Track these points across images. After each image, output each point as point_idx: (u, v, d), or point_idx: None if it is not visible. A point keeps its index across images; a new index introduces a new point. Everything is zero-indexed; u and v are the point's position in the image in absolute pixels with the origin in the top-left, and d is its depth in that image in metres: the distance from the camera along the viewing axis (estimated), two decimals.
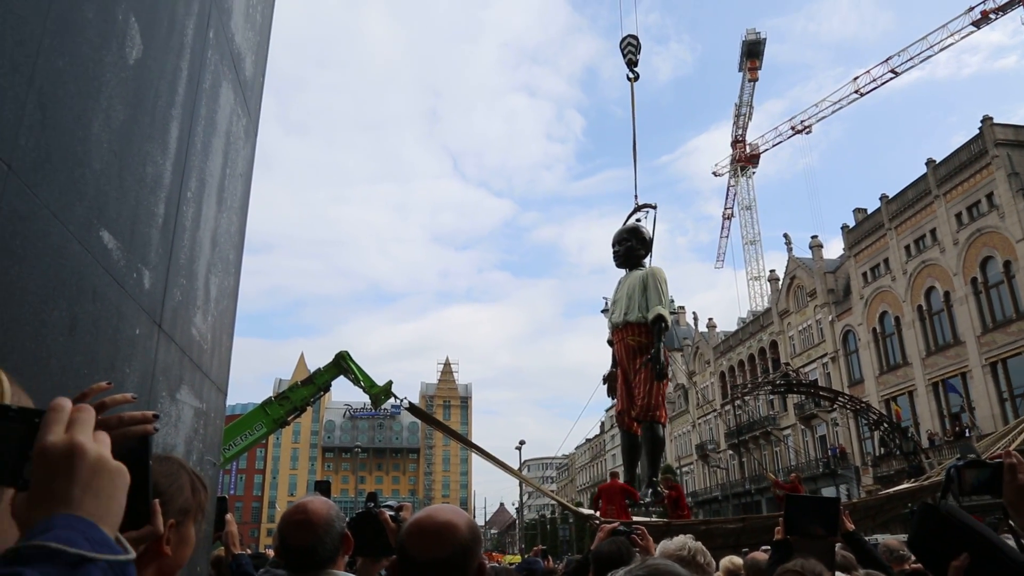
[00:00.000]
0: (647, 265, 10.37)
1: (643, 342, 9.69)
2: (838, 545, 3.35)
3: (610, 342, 10.49)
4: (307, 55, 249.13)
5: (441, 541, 1.59)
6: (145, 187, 1.95)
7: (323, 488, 4.24)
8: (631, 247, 10.28)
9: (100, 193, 1.67)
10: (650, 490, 10.06)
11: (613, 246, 10.44)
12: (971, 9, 51.69)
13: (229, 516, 3.21)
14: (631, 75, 12.00)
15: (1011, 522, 1.80)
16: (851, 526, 3.17)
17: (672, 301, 10.33)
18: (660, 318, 9.55)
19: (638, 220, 10.85)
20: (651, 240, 10.50)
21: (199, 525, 1.45)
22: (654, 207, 11.18)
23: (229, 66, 2.83)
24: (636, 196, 11.16)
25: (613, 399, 10.99)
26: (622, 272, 10.63)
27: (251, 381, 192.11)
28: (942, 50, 54.98)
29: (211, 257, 2.61)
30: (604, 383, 10.79)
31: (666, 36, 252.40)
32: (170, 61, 2.12)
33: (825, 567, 2.44)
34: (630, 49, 12.02)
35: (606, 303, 22.01)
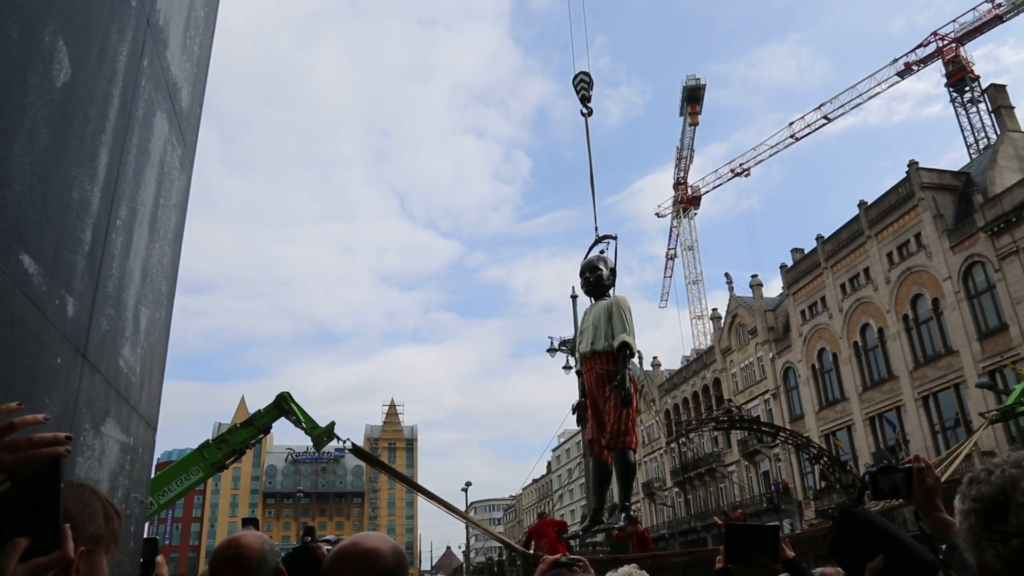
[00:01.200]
0: (611, 295, 10.49)
1: (611, 370, 9.77)
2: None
3: (579, 372, 10.52)
4: (253, 93, 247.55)
5: (365, 568, 1.56)
6: (71, 212, 1.90)
7: (251, 524, 4.11)
8: (600, 276, 10.38)
9: (21, 216, 1.62)
10: (623, 515, 10.07)
11: (582, 274, 10.52)
12: (895, 60, 54.49)
13: (160, 558, 3.09)
14: (585, 111, 12.21)
15: (920, 524, 1.86)
16: (791, 553, 3.21)
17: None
18: (625, 345, 9.66)
19: (602, 251, 10.98)
20: (615, 270, 10.64)
21: (112, 555, 1.39)
22: (614, 238, 11.36)
23: (164, 96, 2.79)
24: (596, 228, 11.29)
25: (582, 428, 11.01)
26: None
27: (189, 425, 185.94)
28: (871, 98, 57.68)
29: (141, 288, 2.55)
30: (574, 413, 10.82)
31: (617, 79, 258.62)
32: (101, 87, 2.09)
33: None
34: (583, 85, 12.25)
35: (551, 342, 22.13)
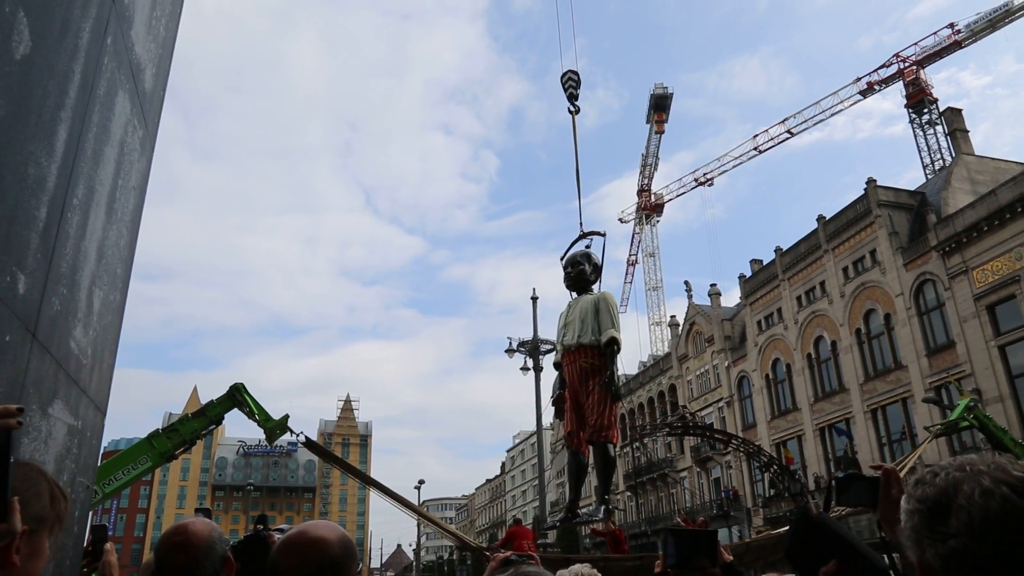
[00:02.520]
0: (595, 290, 10.57)
1: (595, 364, 9.85)
2: None
3: (557, 365, 10.56)
4: (221, 79, 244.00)
5: (311, 556, 1.56)
6: (26, 188, 1.86)
7: (203, 515, 4.06)
8: (583, 271, 10.46)
9: None
10: (603, 507, 10.19)
11: (565, 268, 10.60)
12: (858, 79, 55.61)
13: (109, 545, 3.02)
14: (572, 108, 12.27)
15: (881, 534, 1.90)
16: (729, 557, 3.26)
17: None
18: (613, 340, 9.79)
19: (587, 246, 11.05)
20: (600, 267, 10.71)
21: (56, 538, 1.37)
22: (603, 235, 11.50)
23: (127, 75, 2.75)
24: (581, 224, 11.38)
25: (560, 421, 11.07)
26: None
27: (140, 414, 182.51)
28: (833, 115, 58.80)
29: (96, 269, 2.50)
30: (553, 406, 10.87)
31: (594, 83, 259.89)
32: (61, 62, 2.05)
33: None
34: (571, 83, 12.31)
35: (510, 342, 22.16)
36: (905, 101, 52.64)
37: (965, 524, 1.09)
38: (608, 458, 10.09)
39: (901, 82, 53.05)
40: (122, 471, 13.80)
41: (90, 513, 3.20)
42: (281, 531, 2.64)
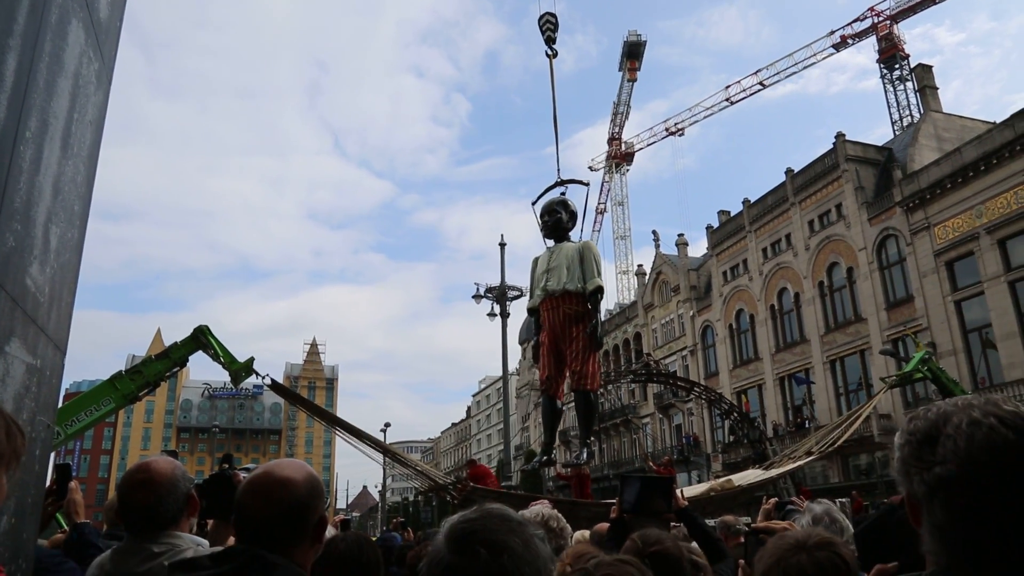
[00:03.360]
0: (572, 238, 10.61)
1: (579, 311, 9.95)
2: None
3: (532, 311, 10.59)
4: (182, 14, 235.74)
5: (277, 496, 1.56)
6: None
7: (171, 456, 4.06)
8: (560, 219, 10.48)
9: None
10: (584, 451, 10.44)
11: (542, 216, 10.60)
12: (832, 32, 55.45)
13: (73, 484, 3.02)
14: (550, 52, 12.09)
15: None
16: (684, 503, 3.35)
17: None
18: (600, 290, 9.91)
19: (563, 193, 11.04)
20: (577, 214, 10.73)
21: (12, 474, 1.36)
22: (586, 184, 11.53)
23: (80, 4, 2.64)
24: (559, 171, 11.35)
25: (536, 366, 11.28)
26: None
27: (102, 356, 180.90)
28: (805, 68, 58.73)
29: (52, 205, 2.44)
30: (533, 352, 11.05)
31: (572, 27, 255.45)
32: None
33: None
34: (548, 26, 12.11)
35: (478, 288, 22.17)
36: (877, 56, 52.71)
37: (951, 451, 1.12)
38: (590, 404, 10.30)
39: (875, 36, 53.03)
40: (85, 412, 13.68)
41: (52, 453, 3.18)
42: (247, 470, 2.65)
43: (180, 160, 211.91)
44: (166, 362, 14.63)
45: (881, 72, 52.44)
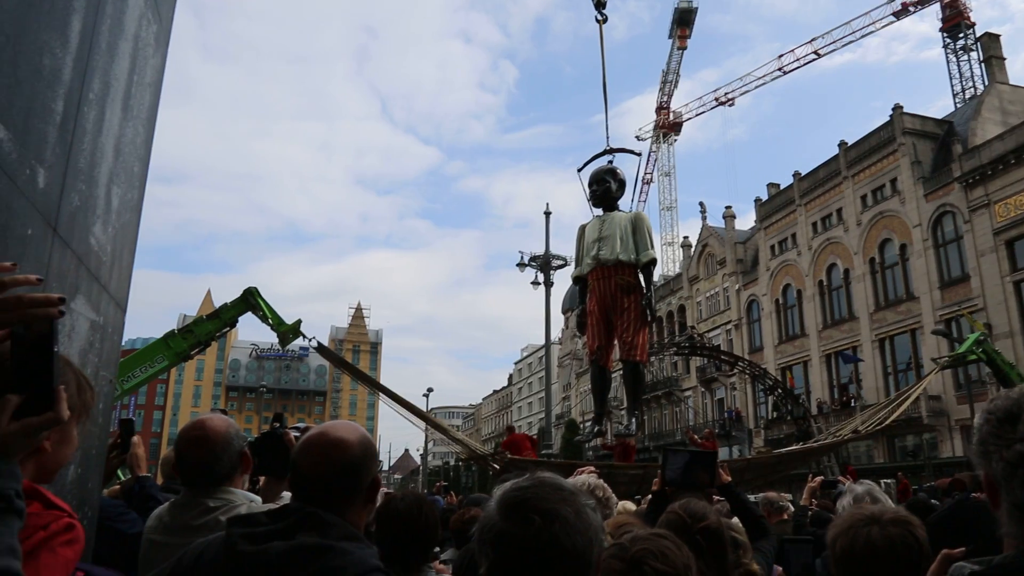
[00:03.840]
0: (622, 208, 10.60)
1: (631, 282, 9.97)
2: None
3: (579, 279, 10.59)
4: None
5: (331, 456, 1.59)
6: (42, 80, 1.83)
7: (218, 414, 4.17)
8: (608, 188, 10.45)
9: None
10: (634, 421, 10.55)
11: (590, 185, 10.59)
12: (891, 0, 53.41)
13: (136, 438, 3.12)
14: (599, 16, 11.94)
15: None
16: (727, 478, 3.33)
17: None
18: (653, 261, 9.94)
19: (610, 162, 11.00)
20: (625, 183, 10.70)
21: (83, 427, 1.41)
22: (638, 154, 11.50)
23: None
24: (607, 139, 11.35)
25: (581, 336, 11.34)
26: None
27: (155, 314, 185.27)
28: (863, 36, 56.77)
29: (114, 166, 2.49)
30: (577, 320, 11.13)
31: None
32: None
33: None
34: None
35: (522, 256, 22.14)
36: (941, 24, 50.73)
37: None
38: (639, 375, 10.39)
39: (938, 3, 51.00)
40: (140, 369, 14.13)
41: (112, 409, 3.28)
42: (297, 429, 2.71)
43: (230, 124, 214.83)
44: (216, 322, 15.01)
45: (944, 41, 50.47)
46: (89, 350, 2.33)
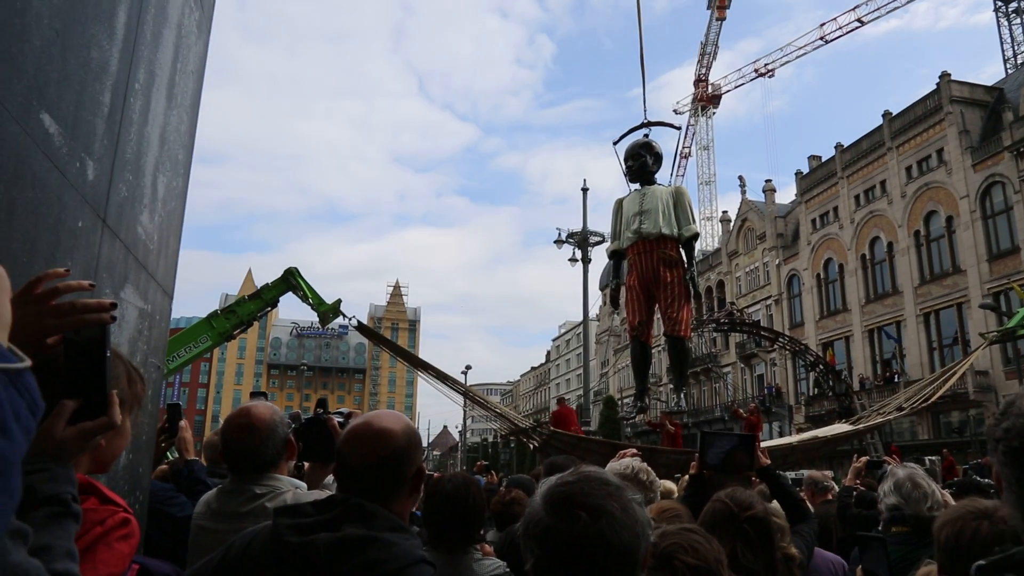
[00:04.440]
0: (660, 182, 10.50)
1: (674, 256, 9.91)
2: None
3: (615, 254, 10.55)
4: None
5: (376, 447, 1.59)
6: (90, 72, 1.85)
7: (260, 397, 4.22)
8: (644, 162, 10.35)
9: (40, 73, 1.58)
10: (682, 398, 10.66)
11: (627, 160, 10.51)
12: None
13: (184, 422, 3.19)
14: None
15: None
16: (767, 461, 3.28)
17: None
18: (696, 236, 9.91)
19: (646, 136, 10.88)
20: (662, 157, 10.60)
21: (134, 417, 1.43)
22: (677, 128, 11.36)
23: None
24: (645, 112, 11.18)
25: (614, 311, 11.37)
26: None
27: (197, 294, 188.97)
28: (909, 2, 55.01)
29: (159, 155, 2.51)
30: (609, 295, 11.11)
31: None
32: None
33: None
34: None
35: (559, 233, 22.06)
36: None
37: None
38: (684, 351, 10.39)
39: None
40: (184, 348, 14.45)
41: (159, 392, 3.35)
42: (341, 414, 2.73)
43: (269, 104, 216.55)
44: (258, 302, 15.27)
45: (995, 4, 48.73)
46: (138, 338, 2.37)
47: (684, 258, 9.95)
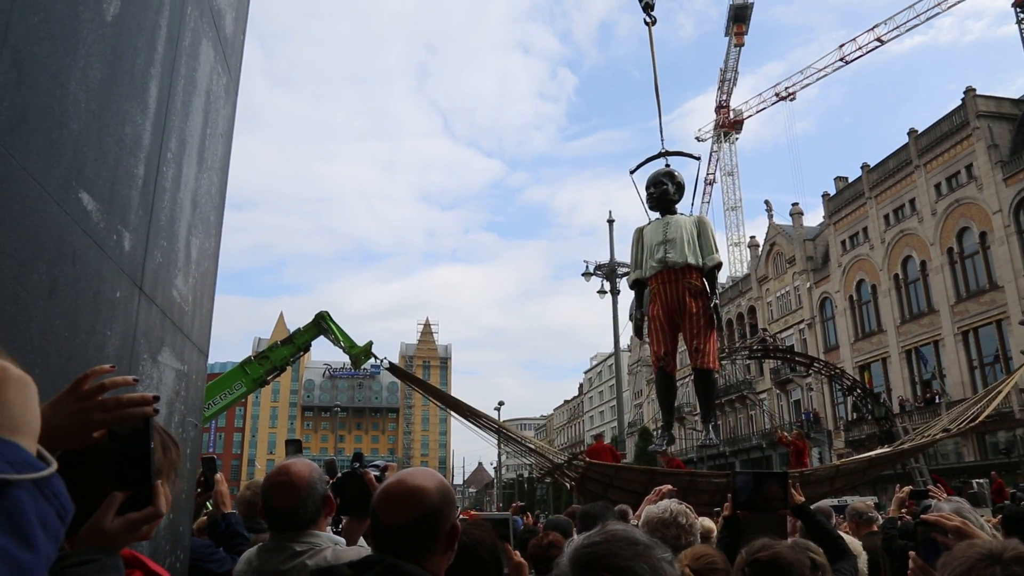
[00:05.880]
0: (682, 212, 10.49)
1: (699, 286, 9.87)
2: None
3: (636, 284, 10.52)
4: (297, 6, 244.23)
5: (409, 506, 1.60)
6: (124, 148, 1.92)
7: (295, 446, 4.26)
8: (666, 190, 10.36)
9: (78, 154, 1.64)
10: (711, 429, 10.36)
11: (648, 188, 10.52)
12: None
13: (219, 475, 3.23)
14: (648, 19, 11.90)
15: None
16: (800, 499, 3.22)
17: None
18: (719, 265, 9.86)
19: (667, 165, 10.90)
20: (684, 186, 10.59)
21: (172, 484, 1.46)
22: (697, 158, 11.38)
23: (209, 23, 2.77)
24: (662, 141, 11.19)
25: (642, 341, 11.33)
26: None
27: (230, 339, 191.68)
28: (929, 19, 54.83)
29: (192, 218, 2.59)
30: (634, 325, 11.04)
31: None
32: (149, 18, 2.08)
33: (779, 539, 2.48)
34: None
35: (587, 266, 22.07)
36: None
37: None
38: (711, 383, 10.27)
39: None
40: (220, 395, 14.63)
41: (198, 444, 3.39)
42: (376, 467, 2.75)
43: (296, 148, 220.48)
44: (291, 347, 15.45)
45: (1017, 17, 48.33)
46: (176, 399, 2.42)
47: (708, 288, 9.89)
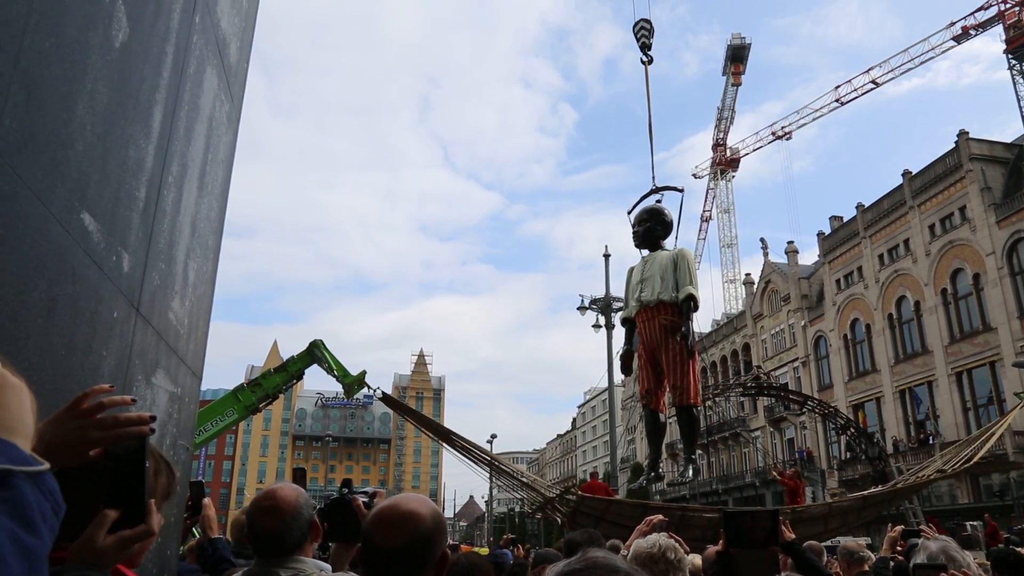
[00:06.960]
0: (666, 247, 10.52)
1: (675, 321, 9.85)
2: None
3: (626, 321, 10.54)
4: (302, 36, 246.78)
5: (403, 530, 1.60)
6: (127, 171, 1.95)
7: (299, 474, 4.24)
8: (650, 227, 10.41)
9: (82, 176, 1.67)
10: (691, 467, 10.31)
11: (633, 226, 10.57)
12: (952, 24, 52.47)
13: (207, 500, 3.21)
14: (645, 59, 12.10)
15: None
16: (791, 535, 3.23)
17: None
18: (691, 297, 9.82)
19: (658, 201, 10.96)
20: (671, 223, 10.61)
21: (164, 509, 1.47)
22: (680, 190, 11.43)
23: (214, 51, 2.82)
24: (654, 178, 11.28)
25: (628, 377, 11.19)
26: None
27: (223, 366, 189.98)
28: (923, 63, 55.71)
29: (190, 242, 2.61)
30: (620, 362, 10.97)
31: (697, 28, 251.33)
32: (156, 45, 2.12)
33: None
34: (643, 32, 12.12)
35: (582, 300, 22.13)
36: (1005, 47, 49.43)
37: None
38: (693, 420, 10.18)
39: (1001, 25, 49.79)
40: (211, 422, 14.53)
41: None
42: (365, 494, 2.74)
43: (297, 177, 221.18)
44: (284, 375, 15.39)
45: (1009, 63, 49.04)
46: (168, 421, 2.42)
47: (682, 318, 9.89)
